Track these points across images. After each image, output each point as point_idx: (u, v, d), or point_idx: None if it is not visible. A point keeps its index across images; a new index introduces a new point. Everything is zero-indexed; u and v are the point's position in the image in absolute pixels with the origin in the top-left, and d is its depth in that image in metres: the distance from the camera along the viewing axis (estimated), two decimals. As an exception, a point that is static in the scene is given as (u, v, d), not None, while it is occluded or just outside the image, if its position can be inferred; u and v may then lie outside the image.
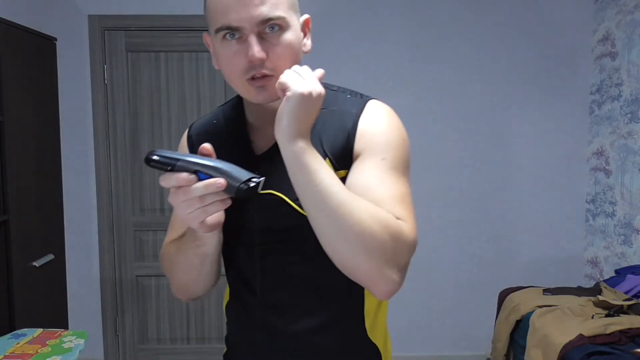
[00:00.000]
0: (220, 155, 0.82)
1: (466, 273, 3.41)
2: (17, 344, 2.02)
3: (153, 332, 3.41)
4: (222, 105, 1.06)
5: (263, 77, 0.85)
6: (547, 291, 2.86)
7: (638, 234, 2.91)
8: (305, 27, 0.93)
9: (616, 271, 2.95)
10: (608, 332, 2.31)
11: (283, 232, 0.91)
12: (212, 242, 0.87)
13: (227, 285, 1.05)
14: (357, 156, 0.88)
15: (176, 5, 3.23)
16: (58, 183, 3.05)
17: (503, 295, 2.96)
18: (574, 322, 2.42)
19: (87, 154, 3.30)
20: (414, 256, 1.03)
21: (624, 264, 3.02)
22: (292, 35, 0.86)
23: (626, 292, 2.67)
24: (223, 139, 0.98)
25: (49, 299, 2.87)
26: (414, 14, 3.28)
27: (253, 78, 0.85)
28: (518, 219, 3.40)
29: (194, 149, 1.01)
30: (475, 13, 3.29)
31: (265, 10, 0.82)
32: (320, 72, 0.84)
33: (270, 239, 0.92)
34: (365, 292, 0.96)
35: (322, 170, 0.79)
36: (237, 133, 0.98)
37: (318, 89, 0.80)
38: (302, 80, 0.79)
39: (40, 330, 2.18)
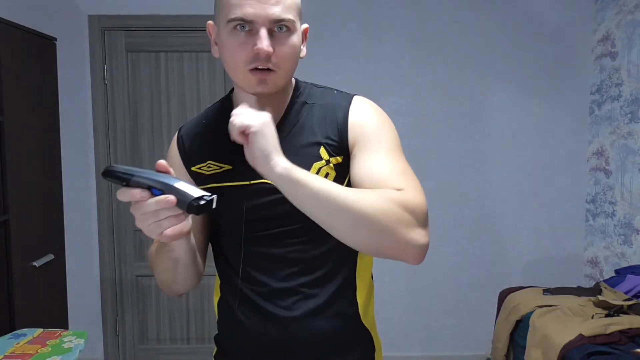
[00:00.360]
0: (210, 153, 0.87)
1: (466, 273, 3.41)
2: (17, 344, 2.02)
3: (153, 332, 3.41)
4: (211, 106, 1.11)
5: (266, 70, 0.91)
6: (547, 291, 2.86)
7: (638, 234, 2.91)
8: (303, 35, 1.00)
9: (616, 271, 2.95)
10: (608, 332, 2.31)
11: (274, 219, 0.96)
12: (180, 249, 0.91)
13: (217, 282, 1.08)
14: (354, 145, 0.96)
15: (176, 5, 3.22)
16: (58, 183, 3.05)
17: (503, 295, 2.96)
18: (574, 322, 2.42)
19: (87, 154, 3.30)
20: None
21: (624, 264, 3.02)
22: (296, 38, 0.94)
23: (626, 292, 2.67)
24: (212, 137, 1.03)
25: (49, 299, 2.86)
26: (413, 13, 3.28)
27: (255, 69, 0.91)
28: (518, 219, 3.40)
29: (184, 150, 1.05)
30: (475, 13, 3.29)
31: (279, 11, 0.89)
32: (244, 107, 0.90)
33: (262, 227, 0.97)
34: (357, 277, 1.02)
35: (313, 178, 0.84)
36: (226, 131, 0.99)
37: (264, 113, 0.85)
38: (251, 115, 0.84)
39: (40, 330, 2.18)
